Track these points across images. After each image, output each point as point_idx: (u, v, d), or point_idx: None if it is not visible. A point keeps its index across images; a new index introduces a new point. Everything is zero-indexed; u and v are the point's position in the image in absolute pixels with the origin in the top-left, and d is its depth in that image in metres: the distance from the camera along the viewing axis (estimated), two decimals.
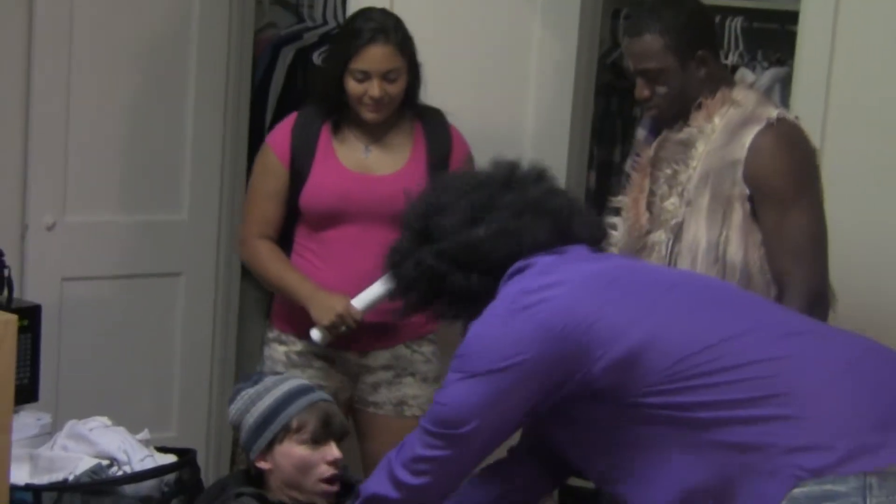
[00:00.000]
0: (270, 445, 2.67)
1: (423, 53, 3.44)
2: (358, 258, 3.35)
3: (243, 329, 4.73)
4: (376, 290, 3.25)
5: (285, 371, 3.37)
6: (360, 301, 3.26)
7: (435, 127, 3.53)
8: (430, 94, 3.52)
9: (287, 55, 4.96)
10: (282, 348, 3.48)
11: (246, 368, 4.52)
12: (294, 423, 2.67)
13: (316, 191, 3.41)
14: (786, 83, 3.82)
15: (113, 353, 4.22)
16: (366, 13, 3.44)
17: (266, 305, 3.89)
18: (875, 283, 3.33)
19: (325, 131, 3.46)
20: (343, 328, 3.26)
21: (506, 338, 2.24)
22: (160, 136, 4.31)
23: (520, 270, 2.34)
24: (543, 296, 2.24)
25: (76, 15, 4.04)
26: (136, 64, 4.23)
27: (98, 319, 4.20)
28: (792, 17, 3.65)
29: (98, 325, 4.19)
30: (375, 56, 3.31)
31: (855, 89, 3.39)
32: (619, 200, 3.16)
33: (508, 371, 2.21)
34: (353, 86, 3.32)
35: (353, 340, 3.35)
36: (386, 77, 3.32)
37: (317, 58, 4.68)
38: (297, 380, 2.84)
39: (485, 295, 2.35)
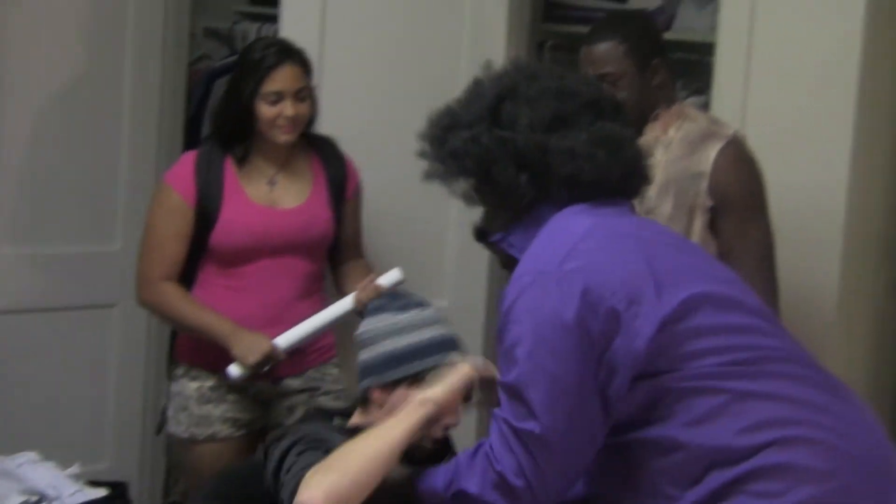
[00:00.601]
0: (396, 384, 2.59)
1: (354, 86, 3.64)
2: (271, 290, 3.43)
3: None
4: (300, 330, 3.31)
5: (196, 409, 3.45)
6: (285, 340, 3.31)
7: (331, 156, 3.59)
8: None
9: (220, 87, 4.88)
10: (193, 384, 3.47)
11: None
12: (429, 376, 2.55)
13: (228, 229, 3.41)
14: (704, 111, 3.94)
15: (44, 387, 4.19)
16: (264, 41, 3.56)
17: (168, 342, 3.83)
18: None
19: (229, 167, 3.46)
20: (266, 367, 3.28)
21: None
22: (93, 166, 4.31)
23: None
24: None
25: (9, 44, 4.06)
26: (68, 95, 4.23)
27: (29, 352, 4.17)
28: (709, 49, 3.76)
29: (29, 358, 4.17)
30: (287, 76, 3.36)
31: (769, 117, 3.51)
32: None
33: None
34: (266, 110, 3.35)
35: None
36: (297, 96, 3.37)
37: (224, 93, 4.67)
38: (443, 327, 2.68)
39: (521, 199, 2.29)
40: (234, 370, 3.28)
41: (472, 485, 2.20)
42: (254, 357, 3.25)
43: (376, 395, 2.60)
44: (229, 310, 3.40)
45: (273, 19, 4.32)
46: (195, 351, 3.47)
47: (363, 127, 3.90)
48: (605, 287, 2.11)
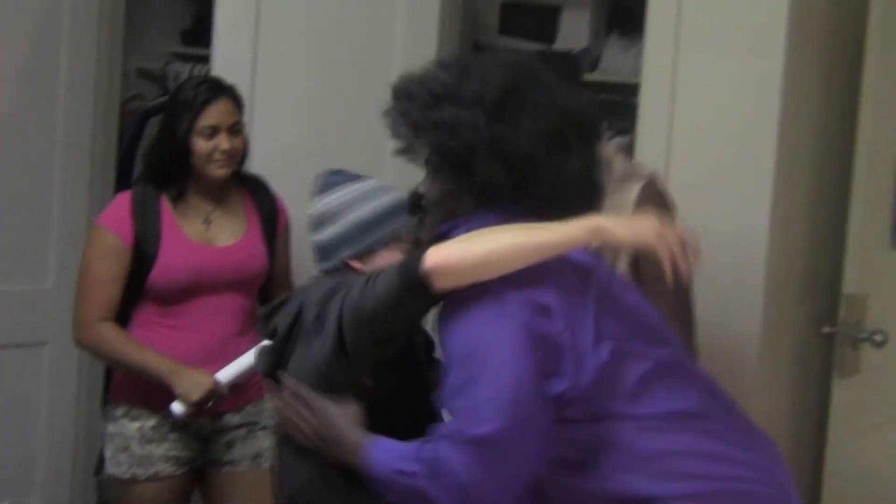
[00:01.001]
0: (372, 249, 2.63)
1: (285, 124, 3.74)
2: (210, 327, 3.49)
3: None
4: (240, 364, 3.34)
5: (138, 449, 3.46)
6: (225, 375, 3.34)
7: (261, 194, 3.67)
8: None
9: (153, 126, 4.89)
10: (134, 424, 3.48)
11: None
12: (404, 233, 2.61)
13: (167, 268, 3.46)
14: (629, 151, 4.04)
15: None
16: (195, 79, 3.61)
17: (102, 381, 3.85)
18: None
19: (165, 207, 3.50)
20: (209, 403, 3.33)
21: None
22: (26, 205, 4.37)
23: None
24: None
25: None
26: (1, 133, 4.29)
27: None
28: (634, 90, 3.87)
29: None
30: (221, 110, 3.43)
31: (693, 158, 3.60)
32: None
33: None
34: (201, 145, 3.41)
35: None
36: (231, 130, 3.44)
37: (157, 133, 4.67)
38: (397, 191, 2.70)
39: (484, 197, 2.30)
40: (177, 408, 3.32)
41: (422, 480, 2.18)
42: (197, 394, 3.29)
43: (356, 264, 2.61)
44: (168, 348, 3.44)
45: (205, 60, 4.40)
46: (134, 390, 3.49)
47: (294, 163, 3.94)
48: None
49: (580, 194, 2.35)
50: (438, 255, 2.19)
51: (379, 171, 3.72)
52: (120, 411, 3.51)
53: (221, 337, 3.49)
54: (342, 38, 4.19)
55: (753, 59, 3.60)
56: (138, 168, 4.83)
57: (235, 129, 3.48)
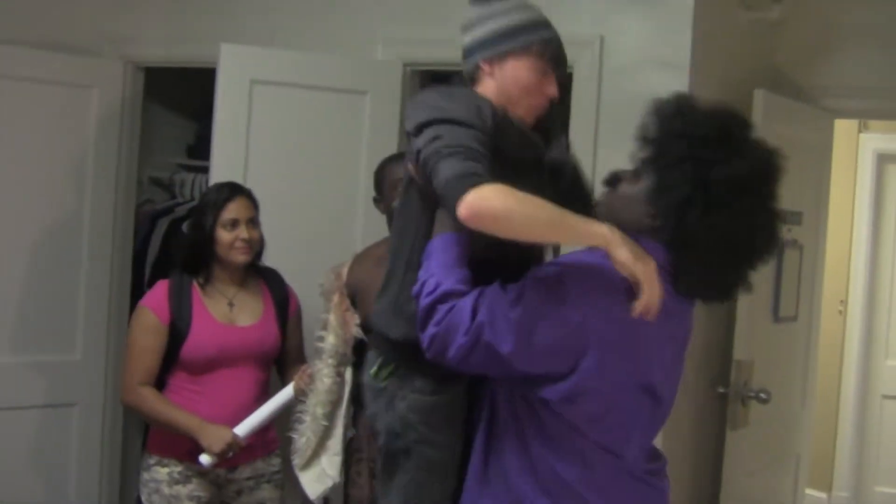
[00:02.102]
0: (505, 56, 2.61)
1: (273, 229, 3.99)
2: (231, 395, 3.83)
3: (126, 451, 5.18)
4: (254, 420, 3.77)
5: (167, 490, 3.80)
6: (242, 429, 3.72)
7: (275, 282, 4.02)
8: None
9: (162, 225, 5.45)
10: (164, 470, 3.81)
11: (130, 484, 4.97)
12: (537, 49, 2.61)
13: (197, 344, 3.77)
14: None
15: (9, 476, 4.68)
16: (218, 184, 3.96)
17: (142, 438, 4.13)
18: None
19: (195, 291, 3.83)
20: (230, 453, 3.70)
21: None
22: (58, 291, 4.83)
23: None
24: None
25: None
26: (38, 230, 4.78)
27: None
28: None
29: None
30: (241, 206, 3.81)
31: None
32: None
33: None
34: (224, 235, 3.77)
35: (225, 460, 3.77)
36: (250, 222, 3.82)
37: (185, 228, 4.86)
38: (537, 10, 2.70)
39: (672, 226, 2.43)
40: (205, 459, 3.67)
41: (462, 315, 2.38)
42: (219, 446, 3.66)
43: (486, 67, 2.62)
44: (195, 410, 3.77)
45: (205, 170, 4.61)
46: (165, 444, 3.82)
47: (281, 252, 4.21)
48: None
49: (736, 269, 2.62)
50: (484, 202, 2.28)
51: (351, 245, 4.15)
52: (153, 460, 3.84)
53: (240, 402, 3.81)
54: (317, 153, 4.49)
55: None
56: (150, 259, 5.33)
57: (253, 222, 3.82)
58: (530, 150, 2.65)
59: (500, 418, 2.57)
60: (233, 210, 3.81)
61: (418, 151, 2.44)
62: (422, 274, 2.49)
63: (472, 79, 2.67)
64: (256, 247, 3.88)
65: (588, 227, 2.37)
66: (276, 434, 4.02)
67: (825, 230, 5.29)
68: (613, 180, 2.59)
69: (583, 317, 2.41)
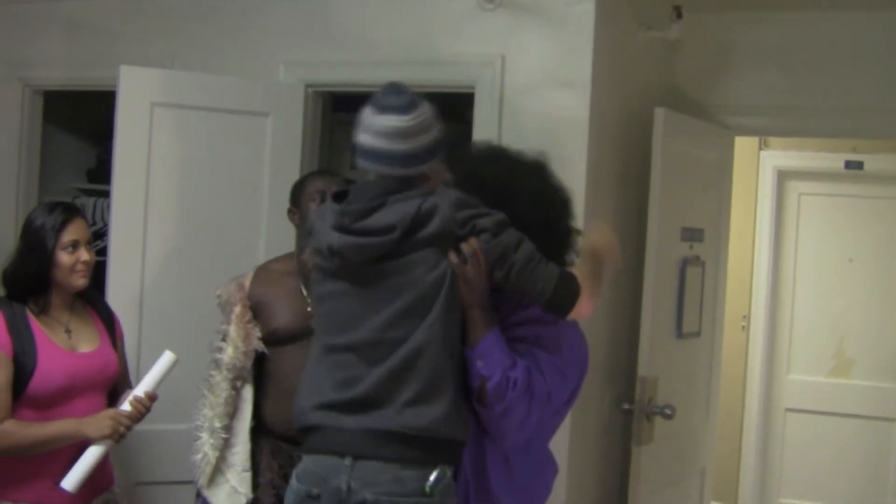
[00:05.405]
0: (439, 160, 2.86)
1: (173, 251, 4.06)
2: None
3: None
4: (81, 468, 3.43)
5: None
6: (71, 482, 3.40)
7: (99, 304, 3.83)
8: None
9: None
10: None
11: None
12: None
13: (46, 376, 3.48)
14: None
15: None
16: (49, 204, 3.69)
17: None
18: None
19: (32, 321, 3.55)
20: (122, 430, 3.44)
21: None
22: None
23: None
24: None
25: None
26: None
27: None
28: None
29: None
30: (79, 227, 3.61)
31: None
32: None
33: None
34: (65, 258, 3.54)
35: (77, 493, 3.46)
36: (88, 244, 3.62)
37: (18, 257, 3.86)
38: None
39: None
40: (68, 482, 3.40)
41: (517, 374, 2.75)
42: (109, 426, 3.44)
43: (431, 172, 2.85)
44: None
45: (106, 194, 4.67)
46: (16, 484, 3.52)
47: (186, 278, 4.35)
48: None
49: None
50: (587, 307, 2.82)
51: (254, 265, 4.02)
52: None
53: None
54: (219, 174, 4.48)
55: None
56: None
57: (90, 244, 3.64)
58: None
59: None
60: (74, 231, 3.60)
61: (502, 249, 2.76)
62: (488, 370, 2.75)
63: (409, 181, 2.81)
64: (91, 270, 3.68)
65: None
66: (111, 467, 3.77)
67: (727, 246, 5.38)
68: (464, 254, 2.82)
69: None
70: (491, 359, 2.75)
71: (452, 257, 2.76)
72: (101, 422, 3.48)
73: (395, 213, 2.73)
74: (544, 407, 2.82)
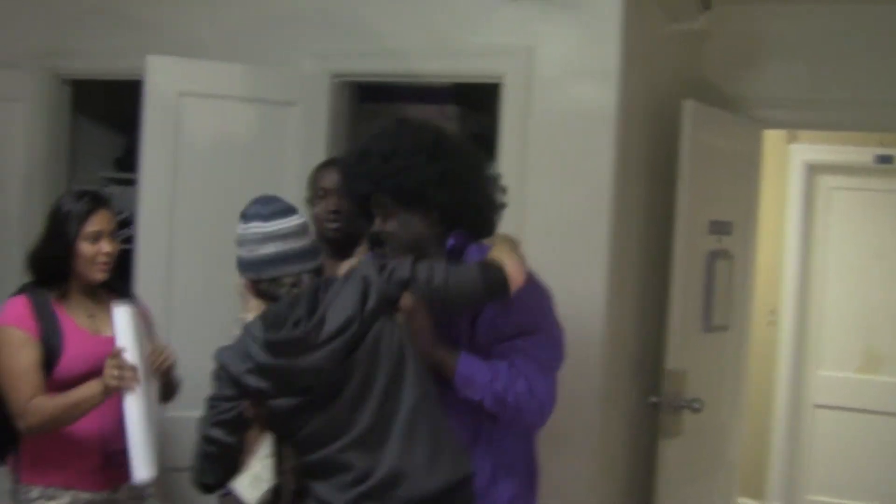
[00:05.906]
0: (259, 281, 2.99)
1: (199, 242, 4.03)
2: (103, 410, 3.46)
3: None
4: (137, 437, 3.39)
5: None
6: (143, 465, 3.38)
7: (124, 291, 3.77)
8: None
9: None
10: (51, 503, 3.53)
11: None
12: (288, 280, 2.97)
13: (73, 360, 3.49)
14: None
15: None
16: (73, 194, 3.66)
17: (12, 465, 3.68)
18: None
19: (57, 307, 3.55)
20: (125, 372, 3.35)
21: None
22: None
23: None
24: None
25: None
26: None
27: None
28: None
29: None
30: (104, 217, 3.58)
31: (538, 261, 4.14)
32: None
33: None
34: (87, 248, 3.53)
35: (105, 478, 3.55)
36: (112, 235, 3.60)
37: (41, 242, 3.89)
38: (300, 242, 3.03)
39: (445, 218, 2.98)
40: (140, 474, 3.37)
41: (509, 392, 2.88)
42: (118, 369, 3.36)
43: (249, 286, 3.02)
44: (70, 431, 3.50)
45: (134, 182, 4.60)
46: (44, 471, 3.54)
47: (212, 269, 4.17)
48: None
49: (495, 209, 3.08)
50: (517, 275, 2.85)
51: None
52: (34, 493, 3.54)
53: (114, 418, 3.48)
54: (245, 164, 4.46)
55: (587, 181, 4.11)
56: None
57: (113, 235, 3.61)
58: None
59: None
60: (97, 221, 3.58)
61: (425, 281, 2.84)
62: (477, 394, 2.90)
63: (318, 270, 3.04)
64: (114, 262, 3.66)
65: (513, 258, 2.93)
66: None
67: (755, 240, 5.35)
68: (375, 238, 3.05)
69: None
70: (473, 384, 2.90)
71: (399, 318, 2.87)
72: (111, 369, 3.39)
73: (339, 306, 2.82)
74: (548, 376, 2.96)
